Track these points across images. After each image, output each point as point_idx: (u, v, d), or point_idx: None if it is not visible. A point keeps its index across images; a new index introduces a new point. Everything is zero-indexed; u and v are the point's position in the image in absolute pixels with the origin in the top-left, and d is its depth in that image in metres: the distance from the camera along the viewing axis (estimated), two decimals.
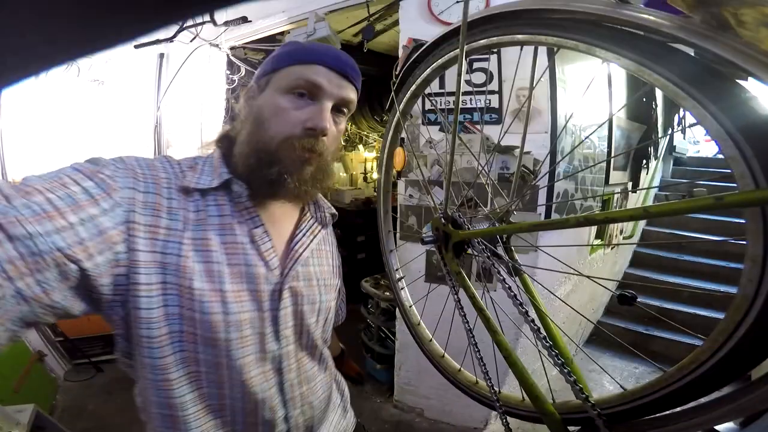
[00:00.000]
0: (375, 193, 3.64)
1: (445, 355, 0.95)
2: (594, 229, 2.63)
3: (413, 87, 0.87)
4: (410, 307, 1.08)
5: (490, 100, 1.78)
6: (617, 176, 2.82)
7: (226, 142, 0.67)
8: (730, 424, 0.46)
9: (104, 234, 0.50)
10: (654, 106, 3.21)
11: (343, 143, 5.24)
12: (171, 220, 0.57)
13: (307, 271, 0.70)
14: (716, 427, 0.45)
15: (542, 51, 1.15)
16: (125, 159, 0.59)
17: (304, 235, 0.71)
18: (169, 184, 0.59)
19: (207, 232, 0.59)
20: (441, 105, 1.82)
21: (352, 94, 0.65)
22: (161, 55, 2.84)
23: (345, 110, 0.67)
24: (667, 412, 0.49)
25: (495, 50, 1.56)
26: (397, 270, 1.11)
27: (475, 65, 1.72)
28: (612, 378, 2.48)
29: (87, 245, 0.48)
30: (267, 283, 0.63)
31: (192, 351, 0.58)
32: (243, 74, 2.95)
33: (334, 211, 0.81)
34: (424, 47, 0.80)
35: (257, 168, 0.61)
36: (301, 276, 0.68)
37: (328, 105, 0.62)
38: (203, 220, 0.60)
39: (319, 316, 0.72)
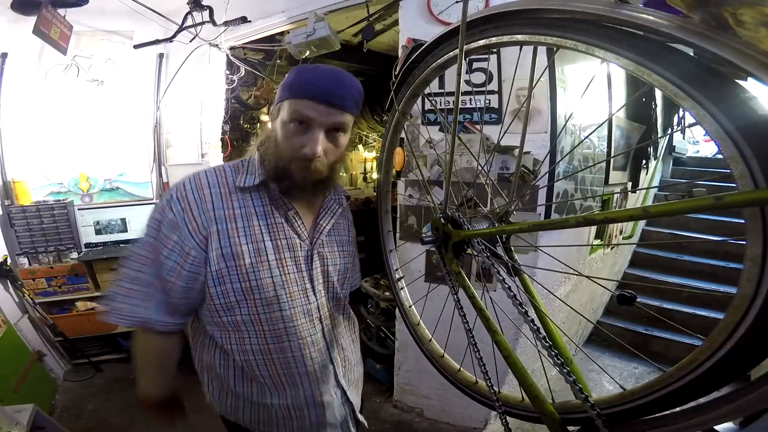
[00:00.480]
0: (375, 193, 3.63)
1: (445, 355, 0.95)
2: (593, 229, 2.63)
3: (413, 87, 0.87)
4: (410, 307, 1.08)
5: (489, 100, 1.78)
6: (617, 176, 2.82)
7: (263, 147, 0.86)
8: (729, 424, 0.46)
9: (189, 255, 0.79)
10: (653, 106, 3.20)
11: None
12: (223, 224, 0.80)
13: (330, 240, 0.92)
14: (716, 427, 0.45)
15: (542, 51, 1.15)
16: (178, 196, 0.80)
17: (326, 213, 0.92)
18: (216, 196, 0.81)
19: (252, 219, 0.82)
20: (441, 105, 1.81)
21: (341, 118, 0.79)
22: (161, 55, 2.83)
23: (340, 131, 0.80)
24: (667, 412, 0.49)
25: (494, 50, 1.56)
26: (396, 270, 1.11)
27: (475, 65, 1.72)
28: (611, 378, 2.48)
29: (183, 265, 0.79)
30: (302, 251, 0.86)
31: (255, 312, 0.81)
32: (243, 74, 2.94)
33: (348, 194, 1.04)
34: (424, 47, 0.80)
35: (278, 176, 0.81)
36: (326, 244, 0.91)
37: (319, 133, 0.77)
38: (249, 210, 0.82)
39: (339, 275, 0.94)
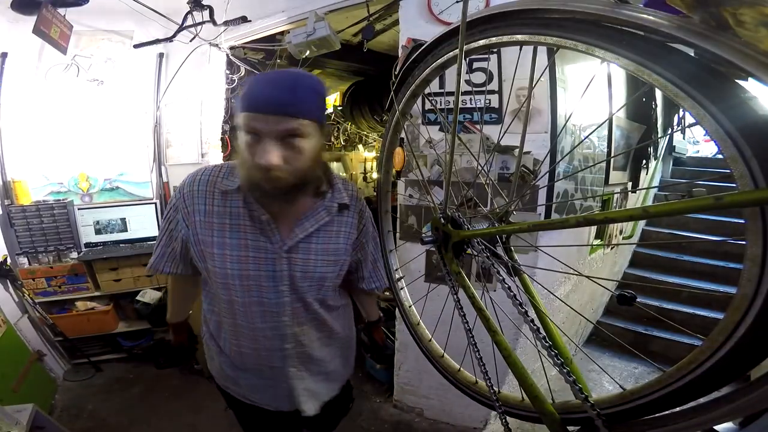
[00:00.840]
0: (375, 193, 3.63)
1: (445, 354, 0.95)
2: (593, 229, 2.63)
3: (413, 87, 0.87)
4: (410, 307, 1.08)
5: (489, 99, 1.77)
6: (617, 176, 2.82)
7: (237, 155, 0.91)
8: (729, 424, 0.46)
9: (181, 231, 0.99)
10: (653, 106, 3.20)
11: (342, 143, 5.25)
12: (201, 216, 0.94)
13: (307, 246, 0.97)
14: (715, 427, 0.45)
15: (542, 51, 1.15)
16: (181, 187, 0.98)
17: (307, 221, 0.96)
18: (201, 192, 0.94)
19: (225, 217, 0.93)
20: (441, 105, 1.81)
21: (293, 124, 0.78)
22: (160, 55, 2.83)
23: (296, 136, 0.80)
24: (667, 412, 0.49)
25: (494, 50, 1.56)
26: (396, 270, 1.11)
27: (475, 65, 1.72)
28: (611, 378, 2.48)
29: (178, 237, 1.01)
30: (267, 252, 0.94)
31: (215, 289, 0.99)
32: (243, 74, 2.94)
33: (345, 201, 1.01)
34: (424, 47, 0.80)
35: (250, 186, 0.87)
36: (299, 250, 0.96)
37: (270, 143, 0.78)
38: (226, 210, 0.94)
39: (312, 281, 0.99)
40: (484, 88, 1.74)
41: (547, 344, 0.57)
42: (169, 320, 1.23)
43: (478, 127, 1.79)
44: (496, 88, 1.74)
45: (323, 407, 1.14)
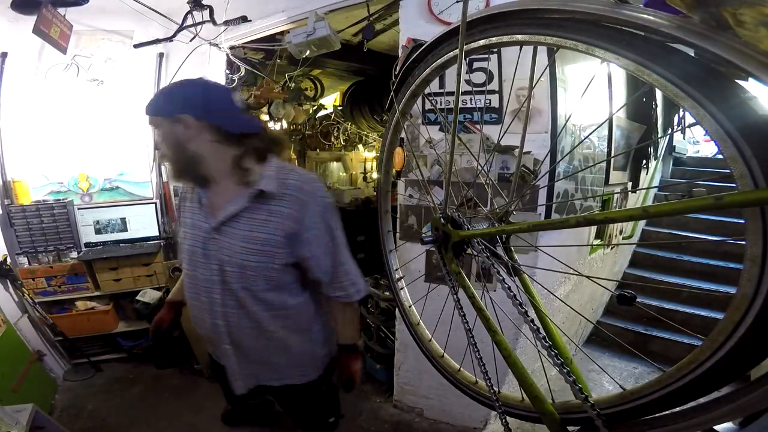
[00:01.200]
0: (375, 193, 3.63)
1: (445, 354, 0.95)
2: (593, 229, 2.63)
3: (413, 87, 0.87)
4: (410, 306, 1.08)
5: (490, 99, 1.77)
6: (617, 176, 2.81)
7: None
8: (729, 424, 0.46)
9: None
10: (654, 106, 3.20)
11: (342, 143, 5.26)
12: (182, 203, 1.20)
13: (233, 231, 1.03)
14: (715, 427, 0.45)
15: (542, 51, 1.15)
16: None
17: (230, 205, 1.04)
18: (185, 187, 1.20)
19: (189, 202, 1.14)
20: (441, 105, 1.81)
21: (150, 121, 1.04)
22: (160, 55, 2.83)
23: (156, 128, 1.04)
24: (667, 412, 0.49)
25: (495, 50, 1.55)
26: (396, 270, 1.11)
27: (475, 65, 1.72)
28: (611, 378, 2.48)
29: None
30: (203, 231, 1.07)
31: (183, 261, 1.17)
32: (243, 74, 2.94)
33: (268, 188, 1.01)
34: (424, 47, 0.80)
35: None
36: (226, 234, 1.04)
37: (153, 132, 1.10)
38: (193, 197, 1.12)
39: (235, 268, 1.04)
40: (484, 88, 1.74)
41: (547, 344, 0.57)
42: (167, 299, 1.38)
43: (478, 127, 1.78)
44: (496, 88, 1.74)
45: (283, 395, 1.25)
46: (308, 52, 2.17)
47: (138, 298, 2.70)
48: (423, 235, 0.78)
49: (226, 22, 2.37)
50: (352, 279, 1.11)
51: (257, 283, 1.05)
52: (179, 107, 0.98)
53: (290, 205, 1.01)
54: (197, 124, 0.98)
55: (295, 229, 1.01)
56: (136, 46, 2.55)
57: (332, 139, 5.11)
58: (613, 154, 2.53)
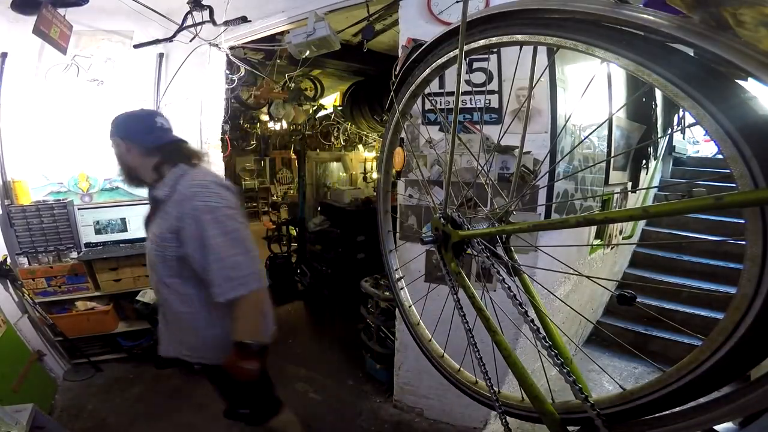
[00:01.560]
0: (375, 193, 3.63)
1: (445, 354, 0.95)
2: (593, 229, 2.63)
3: (413, 87, 0.87)
4: (410, 307, 1.08)
5: (489, 100, 1.77)
6: (617, 176, 2.81)
7: None
8: (729, 424, 0.46)
9: None
10: (653, 106, 3.20)
11: (342, 143, 5.26)
12: None
13: (154, 224, 1.27)
14: (715, 427, 0.45)
15: (542, 51, 1.15)
16: None
17: (150, 206, 1.32)
18: None
19: None
20: (441, 105, 1.81)
21: (110, 141, 1.32)
22: (160, 55, 2.83)
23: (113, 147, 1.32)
24: (667, 412, 0.49)
25: (494, 50, 1.55)
26: (396, 270, 1.11)
27: (475, 65, 1.72)
28: (611, 378, 2.48)
29: None
30: (148, 219, 1.33)
31: None
32: (243, 74, 2.94)
33: (161, 193, 1.25)
34: (424, 47, 0.80)
35: None
36: (150, 229, 1.29)
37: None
38: None
39: (151, 255, 1.27)
40: (484, 88, 1.74)
41: (547, 344, 0.57)
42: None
43: (478, 127, 1.79)
44: (496, 88, 1.74)
45: (205, 372, 1.40)
46: (308, 53, 2.17)
47: (138, 298, 2.70)
48: (423, 235, 0.78)
49: (226, 23, 2.37)
50: (228, 274, 1.16)
51: (163, 270, 1.25)
52: (114, 131, 1.30)
53: (173, 207, 1.20)
54: (124, 143, 1.28)
55: (177, 227, 1.19)
56: (136, 46, 2.55)
57: (332, 139, 5.12)
58: (613, 154, 2.53)
